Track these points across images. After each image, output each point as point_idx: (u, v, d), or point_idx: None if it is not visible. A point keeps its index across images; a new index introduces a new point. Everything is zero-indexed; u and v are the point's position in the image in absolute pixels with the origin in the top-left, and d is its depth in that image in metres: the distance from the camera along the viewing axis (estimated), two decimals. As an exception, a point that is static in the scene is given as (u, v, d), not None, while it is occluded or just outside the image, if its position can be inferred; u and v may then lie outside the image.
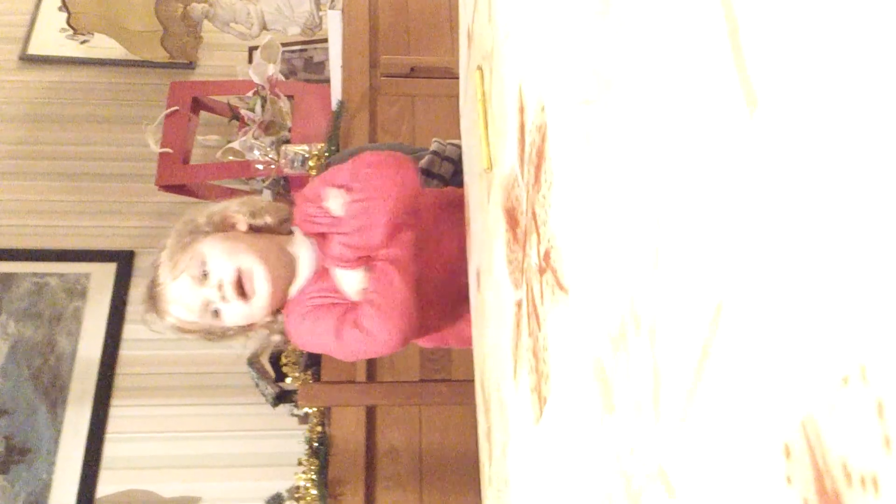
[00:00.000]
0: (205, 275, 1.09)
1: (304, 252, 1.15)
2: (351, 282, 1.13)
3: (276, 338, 1.22)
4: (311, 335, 1.16)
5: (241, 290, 1.09)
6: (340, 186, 1.13)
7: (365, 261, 1.11)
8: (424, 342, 1.32)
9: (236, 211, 1.17)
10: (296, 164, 2.24)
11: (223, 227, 1.15)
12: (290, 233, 1.18)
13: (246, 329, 1.17)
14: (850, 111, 0.22)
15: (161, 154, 2.48)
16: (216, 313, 1.10)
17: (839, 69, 0.23)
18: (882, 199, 0.21)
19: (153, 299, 1.15)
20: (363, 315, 1.09)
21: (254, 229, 1.16)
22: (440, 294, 1.17)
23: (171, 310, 1.12)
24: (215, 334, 1.17)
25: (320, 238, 1.15)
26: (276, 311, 1.17)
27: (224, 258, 1.10)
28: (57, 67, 3.11)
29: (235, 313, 1.10)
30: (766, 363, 0.27)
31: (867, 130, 0.21)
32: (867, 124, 0.21)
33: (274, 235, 1.16)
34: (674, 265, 0.34)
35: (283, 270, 1.13)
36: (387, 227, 1.09)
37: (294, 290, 1.15)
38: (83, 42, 2.87)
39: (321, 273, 1.15)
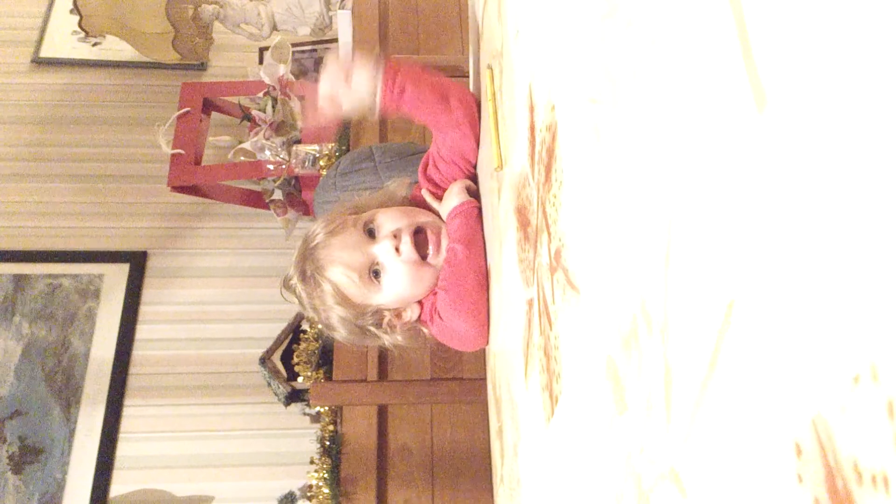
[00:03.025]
0: (371, 231, 1.01)
1: None
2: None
3: (426, 331, 1.09)
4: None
5: (420, 246, 1.01)
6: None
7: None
8: None
9: (396, 189, 1.11)
10: (306, 163, 2.25)
11: (386, 203, 1.08)
12: None
13: (392, 324, 1.06)
14: (859, 109, 0.22)
15: (173, 155, 2.49)
16: (377, 275, 1.00)
17: (848, 67, 0.23)
18: (892, 198, 0.21)
19: (310, 256, 1.03)
20: (438, 301, 1.02)
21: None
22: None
23: (333, 264, 1.00)
24: (362, 317, 1.04)
25: None
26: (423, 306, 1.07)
27: (397, 216, 1.02)
28: (69, 70, 3.13)
29: (402, 275, 1.00)
30: (777, 362, 0.27)
31: (877, 129, 0.21)
32: (877, 123, 0.21)
33: None
34: (685, 264, 0.34)
35: None
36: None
37: None
38: (95, 44, 2.89)
39: None
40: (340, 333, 1.07)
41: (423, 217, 1.04)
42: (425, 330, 1.08)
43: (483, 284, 1.01)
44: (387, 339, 1.08)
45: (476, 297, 0.99)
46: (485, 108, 1.03)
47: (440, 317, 1.03)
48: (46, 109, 3.04)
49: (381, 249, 1.01)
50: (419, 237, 1.03)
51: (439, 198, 1.10)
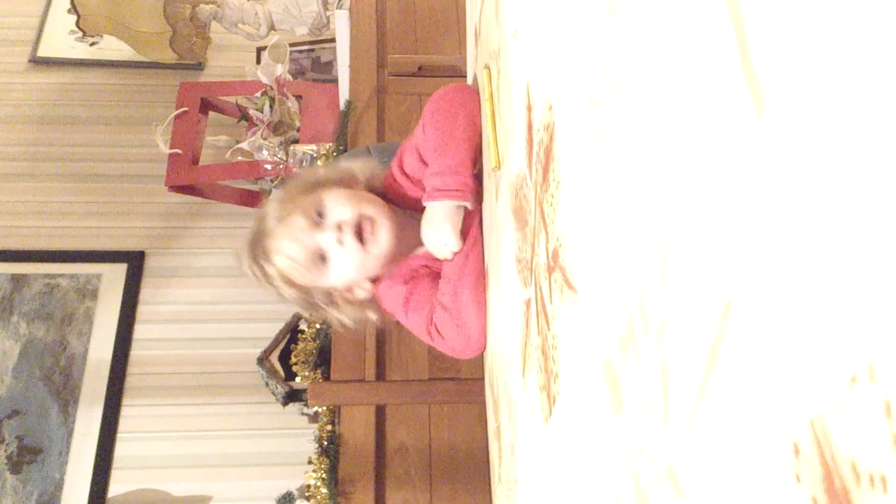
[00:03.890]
0: (320, 217, 1.03)
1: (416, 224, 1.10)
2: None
3: (372, 315, 1.14)
4: (408, 324, 1.12)
5: (360, 237, 1.03)
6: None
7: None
8: None
9: (358, 172, 1.13)
10: (304, 163, 2.24)
11: (344, 183, 1.10)
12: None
13: (343, 299, 1.10)
14: (858, 111, 0.22)
15: (170, 155, 2.49)
16: (323, 261, 1.04)
17: (847, 68, 0.23)
18: (890, 199, 0.21)
19: (259, 238, 1.08)
20: (436, 317, 1.06)
21: (370, 190, 1.11)
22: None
23: (278, 253, 1.05)
24: (312, 297, 1.09)
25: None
26: (375, 281, 1.11)
27: (346, 203, 1.04)
28: (66, 69, 3.13)
29: (345, 262, 1.04)
30: (774, 362, 0.27)
31: (875, 130, 0.21)
32: (875, 124, 0.21)
33: (391, 200, 1.12)
34: (682, 264, 0.34)
35: (402, 232, 1.08)
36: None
37: (403, 259, 1.11)
38: (92, 44, 2.89)
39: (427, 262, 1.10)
40: (295, 306, 1.13)
41: (369, 208, 1.05)
42: (372, 315, 1.14)
43: (482, 303, 1.04)
44: (334, 315, 1.13)
45: (476, 318, 1.03)
46: (483, 109, 1.03)
47: (438, 332, 1.06)
48: (44, 109, 3.03)
49: (326, 240, 1.03)
50: (365, 224, 1.05)
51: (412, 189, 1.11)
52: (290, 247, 1.04)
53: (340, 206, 1.04)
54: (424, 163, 1.10)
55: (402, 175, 1.13)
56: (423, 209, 1.08)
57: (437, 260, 1.08)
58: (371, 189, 1.12)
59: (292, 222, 1.04)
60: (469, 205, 1.04)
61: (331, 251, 1.03)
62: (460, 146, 1.05)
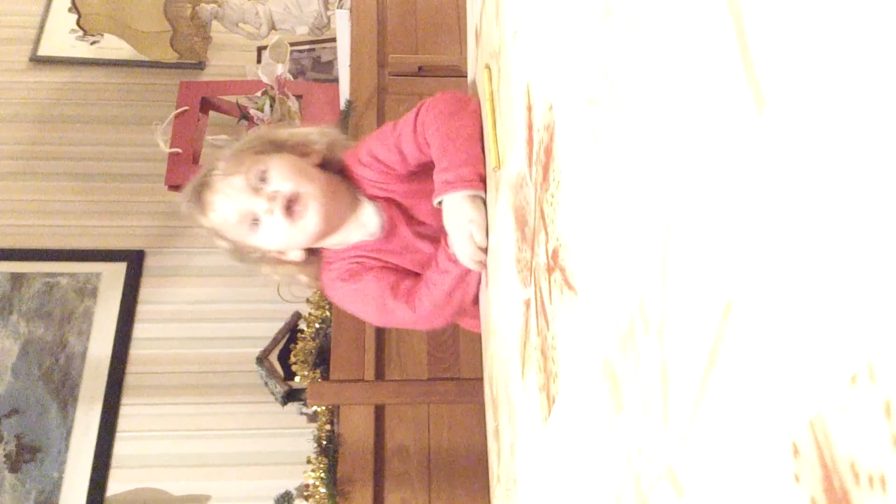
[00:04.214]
0: (262, 182, 1.05)
1: (369, 214, 1.13)
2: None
3: (303, 279, 1.18)
4: (352, 296, 1.14)
5: (290, 211, 1.05)
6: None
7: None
8: (464, 323, 1.30)
9: (316, 142, 1.14)
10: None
11: (299, 150, 1.12)
12: (347, 180, 1.15)
13: (275, 259, 1.13)
14: (858, 111, 0.22)
15: (170, 154, 2.48)
16: (255, 224, 1.06)
17: (847, 68, 0.23)
18: (889, 199, 0.21)
19: (200, 189, 1.10)
20: (419, 298, 1.09)
21: (325, 163, 1.13)
22: None
23: (214, 207, 1.08)
24: (244, 252, 1.12)
25: (391, 206, 1.13)
26: (310, 252, 1.14)
27: (288, 175, 1.06)
28: (67, 68, 3.13)
29: (274, 232, 1.06)
30: (774, 362, 0.27)
31: (875, 130, 0.21)
32: (875, 124, 0.21)
33: (344, 179, 1.14)
34: (682, 264, 0.34)
35: (338, 214, 1.10)
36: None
37: (347, 241, 1.13)
38: (93, 43, 2.88)
39: (383, 241, 1.12)
40: (227, 254, 1.16)
41: (308, 186, 1.07)
42: (303, 277, 1.18)
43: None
44: (266, 272, 1.17)
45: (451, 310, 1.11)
46: (483, 109, 1.03)
47: (414, 299, 1.10)
48: (44, 108, 3.03)
49: (259, 205, 1.05)
50: (299, 200, 1.07)
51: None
52: (224, 205, 1.07)
53: (281, 177, 1.06)
54: (405, 159, 1.12)
55: (373, 159, 1.14)
56: (372, 195, 1.12)
57: (386, 251, 1.12)
58: (328, 159, 1.14)
59: (232, 182, 1.07)
60: (484, 195, 1.05)
61: (262, 218, 1.06)
62: (468, 143, 1.06)
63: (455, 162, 1.05)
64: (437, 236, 1.11)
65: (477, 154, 1.06)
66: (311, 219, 1.06)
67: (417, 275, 1.13)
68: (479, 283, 1.09)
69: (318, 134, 1.16)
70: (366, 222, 1.12)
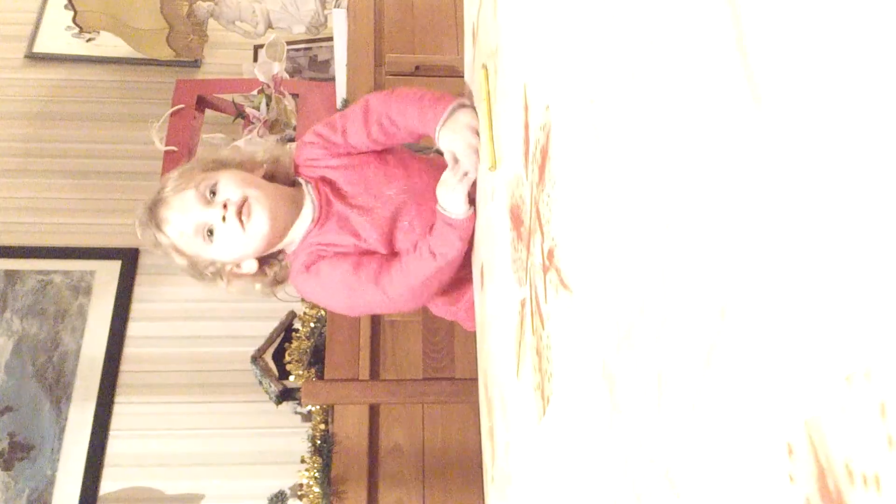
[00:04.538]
0: (212, 194, 1.11)
1: (307, 202, 1.18)
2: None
3: (258, 288, 1.23)
4: (318, 288, 1.18)
5: (241, 215, 1.11)
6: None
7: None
8: (435, 308, 1.34)
9: (261, 160, 1.20)
10: (300, 162, 2.23)
11: (245, 166, 1.18)
12: (296, 185, 1.21)
13: (230, 272, 1.18)
14: (856, 112, 0.22)
15: (166, 152, 2.48)
16: (210, 235, 1.11)
17: (844, 68, 0.23)
18: (885, 202, 0.21)
19: (153, 210, 1.15)
20: (391, 280, 1.13)
21: (268, 175, 1.20)
22: None
23: (168, 223, 1.13)
24: (200, 266, 1.16)
25: (323, 184, 1.19)
26: (262, 262, 1.19)
27: (236, 184, 1.12)
28: (63, 65, 3.12)
29: (228, 240, 1.11)
30: (770, 363, 0.27)
31: (872, 132, 0.21)
32: (872, 125, 0.21)
33: (284, 186, 1.20)
34: (679, 265, 0.34)
35: (284, 217, 1.15)
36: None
37: (295, 238, 1.18)
38: (89, 40, 2.88)
39: (321, 224, 1.17)
40: (185, 273, 1.20)
41: (255, 191, 1.13)
42: (258, 286, 1.22)
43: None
44: (222, 286, 1.20)
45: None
46: (479, 108, 1.03)
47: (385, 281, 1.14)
48: (39, 105, 3.02)
49: (212, 215, 1.11)
50: (246, 205, 1.12)
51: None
52: (179, 218, 1.12)
53: (230, 187, 1.11)
54: (346, 139, 1.19)
55: (316, 135, 1.21)
56: (308, 176, 1.20)
57: (329, 232, 1.17)
58: (273, 172, 1.20)
59: (185, 196, 1.12)
60: (468, 102, 1.12)
61: (216, 227, 1.11)
62: (435, 97, 1.15)
63: (432, 104, 1.13)
64: (366, 206, 1.17)
65: (447, 95, 1.15)
66: (259, 219, 1.11)
67: (375, 254, 1.17)
68: (454, 271, 1.15)
69: (262, 152, 1.23)
70: (305, 213, 1.18)
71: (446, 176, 1.11)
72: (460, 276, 1.19)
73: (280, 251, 1.20)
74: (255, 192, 1.12)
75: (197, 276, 1.19)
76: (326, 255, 1.16)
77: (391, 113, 1.16)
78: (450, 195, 1.11)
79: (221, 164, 1.17)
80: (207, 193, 1.11)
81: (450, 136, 1.10)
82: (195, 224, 1.11)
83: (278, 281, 1.23)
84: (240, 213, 1.10)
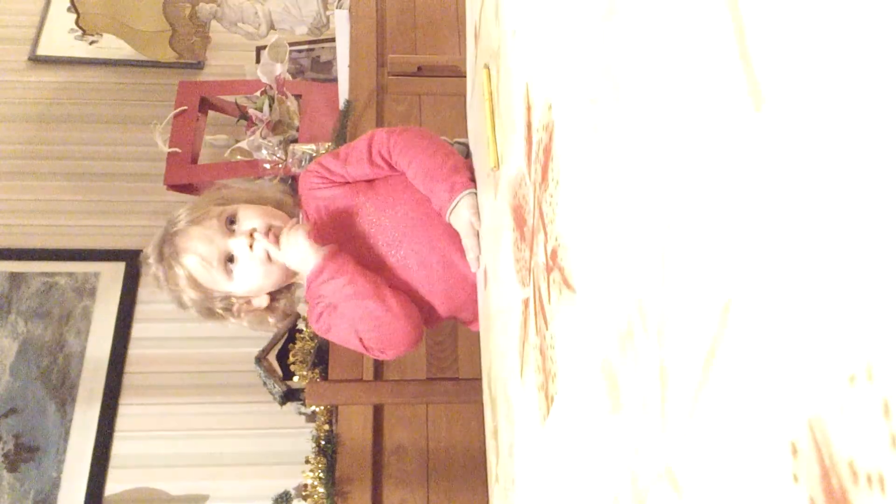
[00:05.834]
0: (232, 224, 1.10)
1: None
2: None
3: (271, 321, 1.21)
4: (335, 336, 1.18)
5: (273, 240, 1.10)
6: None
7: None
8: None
9: (270, 197, 1.20)
10: (303, 163, 2.24)
11: (254, 201, 1.17)
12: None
13: (241, 307, 1.16)
14: (856, 110, 0.22)
15: (169, 154, 2.48)
16: (230, 265, 1.10)
17: (845, 67, 0.23)
18: (887, 200, 0.21)
19: (172, 238, 1.13)
20: (370, 343, 1.13)
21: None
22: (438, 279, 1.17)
23: (188, 253, 1.10)
24: (210, 301, 1.14)
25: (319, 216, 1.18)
26: (272, 298, 1.17)
27: (257, 214, 1.12)
28: (66, 68, 3.12)
29: (251, 268, 1.10)
30: (773, 362, 0.27)
31: (873, 129, 0.21)
32: (873, 123, 0.21)
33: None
34: (681, 264, 0.34)
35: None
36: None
37: (303, 270, 1.16)
38: (92, 43, 2.88)
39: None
40: (190, 311, 1.18)
41: (277, 221, 1.13)
42: (271, 319, 1.21)
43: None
44: (232, 322, 1.19)
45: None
46: (482, 108, 1.03)
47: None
48: (43, 107, 3.03)
49: (237, 244, 1.10)
50: (272, 233, 1.12)
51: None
52: (201, 247, 1.10)
53: (251, 217, 1.12)
54: (347, 171, 1.17)
55: (319, 165, 1.19)
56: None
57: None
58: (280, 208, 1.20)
59: (207, 224, 1.10)
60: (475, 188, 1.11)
61: (241, 257, 1.10)
62: (447, 159, 1.13)
63: (444, 179, 1.11)
64: (360, 235, 1.16)
65: (460, 162, 1.13)
66: (289, 250, 1.10)
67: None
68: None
69: (269, 188, 1.24)
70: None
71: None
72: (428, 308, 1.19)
73: (291, 283, 1.19)
74: (277, 221, 1.13)
75: (204, 313, 1.17)
76: (330, 304, 1.15)
77: (400, 161, 1.15)
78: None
79: (231, 199, 1.17)
80: (228, 224, 1.10)
81: (458, 227, 1.11)
82: (218, 252, 1.09)
83: (287, 314, 1.22)
84: (271, 237, 1.09)
